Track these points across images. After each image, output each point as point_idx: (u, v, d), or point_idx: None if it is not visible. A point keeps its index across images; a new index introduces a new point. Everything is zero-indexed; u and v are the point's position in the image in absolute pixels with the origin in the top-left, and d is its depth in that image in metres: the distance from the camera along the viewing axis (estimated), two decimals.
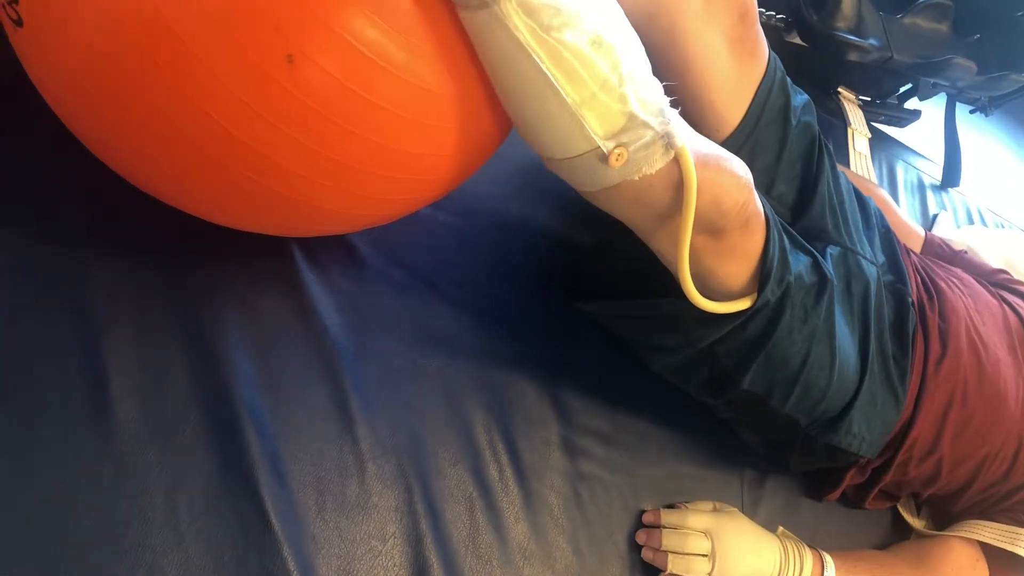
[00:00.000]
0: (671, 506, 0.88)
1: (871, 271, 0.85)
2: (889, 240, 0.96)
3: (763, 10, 1.38)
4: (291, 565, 0.62)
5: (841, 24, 1.29)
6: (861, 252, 0.86)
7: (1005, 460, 0.94)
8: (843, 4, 1.29)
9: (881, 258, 0.91)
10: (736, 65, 0.81)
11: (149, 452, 0.61)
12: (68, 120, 0.56)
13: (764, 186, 0.86)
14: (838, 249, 0.84)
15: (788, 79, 0.88)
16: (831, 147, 0.91)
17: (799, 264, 0.75)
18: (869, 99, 1.56)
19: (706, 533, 0.84)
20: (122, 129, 0.53)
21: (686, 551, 0.82)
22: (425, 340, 0.79)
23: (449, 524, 0.73)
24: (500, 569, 0.74)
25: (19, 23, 0.50)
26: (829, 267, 0.79)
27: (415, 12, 0.51)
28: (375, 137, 0.53)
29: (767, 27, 1.40)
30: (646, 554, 0.83)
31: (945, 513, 1.05)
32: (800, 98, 0.89)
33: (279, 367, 0.69)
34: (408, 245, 0.83)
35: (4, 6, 0.51)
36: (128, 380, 0.62)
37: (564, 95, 0.54)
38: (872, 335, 0.83)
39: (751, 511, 0.93)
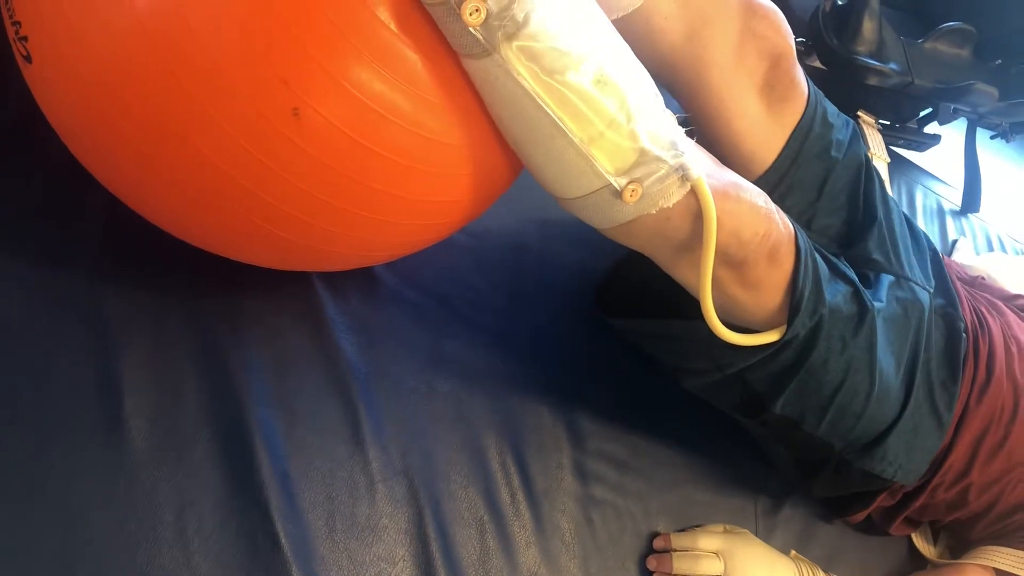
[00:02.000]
0: (683, 530, 0.87)
1: (924, 298, 0.83)
2: (938, 263, 0.94)
3: None
4: None
5: (862, 48, 1.29)
6: (913, 278, 0.84)
7: None
8: (864, 28, 1.28)
9: (932, 282, 0.89)
10: (767, 110, 0.79)
11: (161, 470, 0.61)
12: (77, 154, 0.57)
13: (804, 221, 0.84)
14: (892, 277, 0.82)
15: (831, 109, 0.85)
16: (879, 172, 0.89)
17: (836, 294, 0.73)
18: (889, 123, 1.55)
19: (718, 554, 0.83)
20: (128, 171, 0.54)
21: (698, 573, 0.81)
22: (439, 362, 0.79)
23: (459, 548, 0.72)
24: None
25: (28, 59, 0.51)
26: (883, 294, 0.77)
27: (420, 62, 0.51)
28: (383, 186, 0.54)
29: None
30: None
31: (962, 539, 1.04)
32: (845, 131, 0.86)
33: (293, 387, 0.69)
34: (423, 266, 0.83)
35: (14, 41, 0.51)
36: (141, 397, 0.62)
37: (571, 136, 0.54)
38: (920, 363, 0.81)
39: (765, 538, 0.92)
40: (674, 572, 0.81)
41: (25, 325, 0.60)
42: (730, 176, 0.65)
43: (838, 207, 0.86)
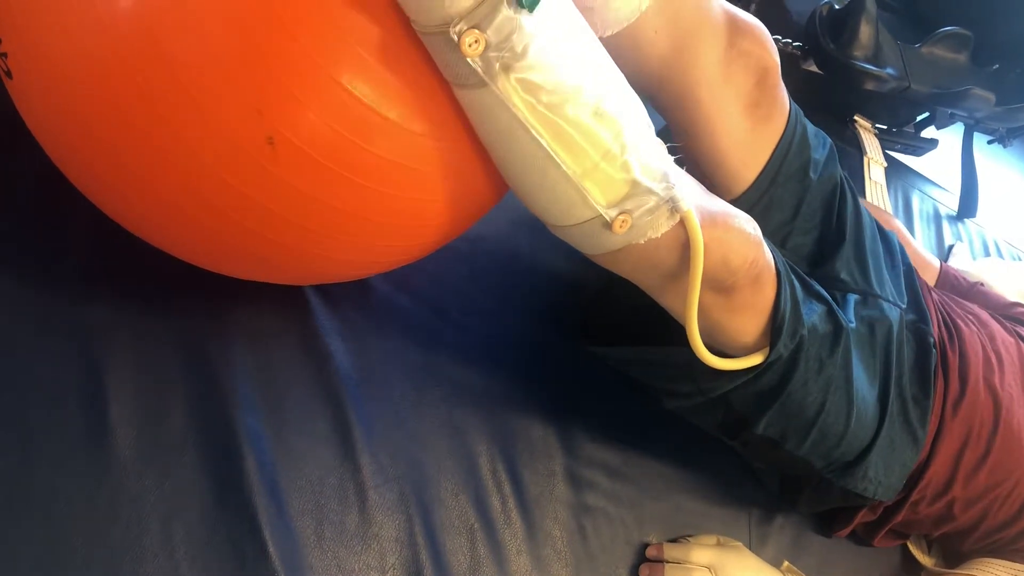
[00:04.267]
0: (675, 540, 0.86)
1: (894, 314, 0.83)
2: (911, 278, 0.94)
3: (779, 37, 1.38)
4: None
5: (858, 53, 1.29)
6: (883, 295, 0.84)
7: (1016, 502, 0.92)
8: (861, 33, 1.28)
9: (904, 297, 0.89)
10: (751, 128, 0.79)
11: (147, 479, 0.60)
12: (60, 166, 0.56)
13: (779, 240, 0.84)
14: (858, 296, 0.82)
15: (810, 129, 0.85)
16: (854, 188, 0.89)
17: (812, 314, 0.73)
18: (885, 128, 1.55)
19: (709, 568, 0.82)
20: (110, 186, 0.54)
21: None
22: (430, 368, 0.78)
23: (450, 555, 0.72)
24: None
25: (9, 75, 0.51)
26: (850, 313, 0.78)
27: (402, 92, 0.50)
28: (359, 211, 0.54)
29: (783, 55, 1.39)
30: None
31: (955, 551, 1.03)
32: (822, 150, 0.86)
33: (281, 393, 0.69)
34: (415, 271, 0.83)
35: None
36: (127, 406, 0.61)
37: (565, 168, 0.53)
38: (892, 379, 0.81)
39: (758, 547, 0.92)
40: None
41: (9, 335, 0.59)
42: (720, 204, 0.64)
43: (812, 227, 0.86)
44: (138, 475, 0.60)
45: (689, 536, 0.87)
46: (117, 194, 0.54)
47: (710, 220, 0.61)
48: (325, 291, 0.76)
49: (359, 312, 0.77)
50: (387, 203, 0.54)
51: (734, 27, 0.75)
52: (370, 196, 0.53)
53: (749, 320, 0.69)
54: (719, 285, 0.65)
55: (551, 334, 0.89)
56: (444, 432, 0.76)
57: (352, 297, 0.77)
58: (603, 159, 0.54)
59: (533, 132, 0.52)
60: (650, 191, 0.56)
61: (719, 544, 0.87)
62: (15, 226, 0.64)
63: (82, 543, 0.56)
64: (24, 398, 0.58)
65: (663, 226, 0.58)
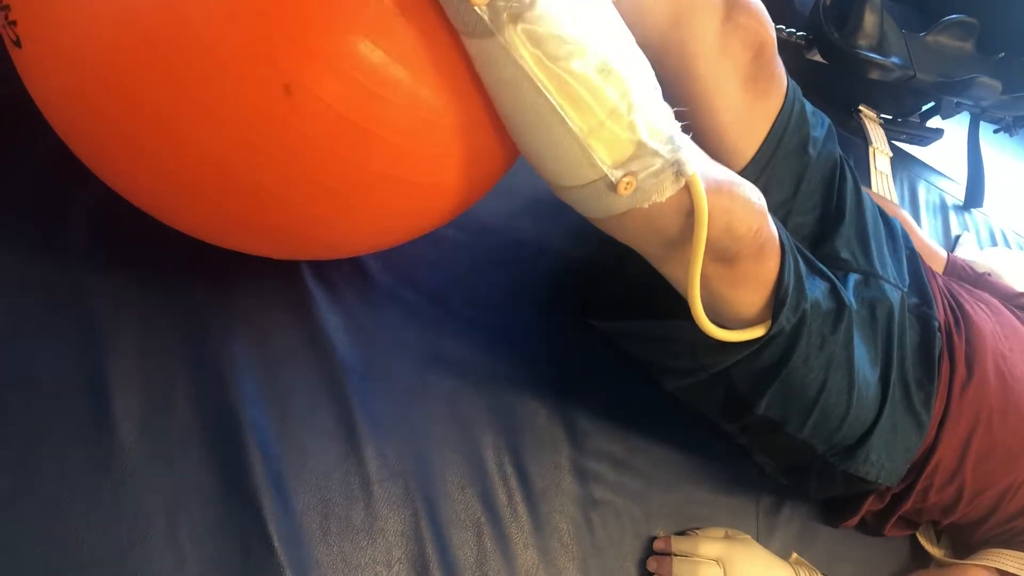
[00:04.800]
0: (683, 533, 0.86)
1: (895, 296, 0.83)
2: (915, 262, 0.94)
3: (783, 27, 1.37)
4: None
5: (863, 42, 1.28)
6: (884, 276, 0.84)
7: None
8: (865, 22, 1.27)
9: (906, 281, 0.89)
10: (750, 102, 0.79)
11: (151, 473, 0.60)
12: (67, 140, 0.56)
13: (779, 219, 0.83)
14: (860, 275, 0.82)
15: (808, 107, 0.85)
16: (854, 169, 0.89)
17: (816, 290, 0.73)
18: (890, 118, 1.54)
19: (718, 561, 0.82)
20: (117, 156, 0.53)
21: None
22: (434, 360, 0.78)
23: (456, 550, 0.71)
24: None
25: (17, 43, 0.50)
26: (849, 293, 0.78)
27: (416, 39, 0.50)
28: (376, 167, 0.52)
29: (787, 44, 1.39)
30: None
31: (965, 542, 1.03)
32: (821, 129, 0.86)
33: (285, 387, 0.68)
34: (418, 263, 0.82)
35: (3, 27, 0.50)
36: (131, 399, 0.61)
37: (571, 124, 0.53)
38: (894, 362, 0.81)
39: (766, 539, 0.91)
40: None
41: (13, 324, 0.59)
42: (724, 172, 0.64)
43: (812, 205, 0.86)
44: (143, 469, 0.59)
45: (697, 529, 0.87)
46: (127, 164, 0.53)
47: (715, 187, 0.60)
48: (328, 284, 0.75)
49: (362, 305, 0.76)
50: (411, 160, 0.53)
51: (731, 1, 0.75)
52: (389, 152, 0.52)
53: (752, 292, 0.68)
54: (722, 254, 0.64)
55: (556, 322, 0.89)
56: (449, 425, 0.76)
57: (355, 290, 0.77)
58: (609, 117, 0.53)
59: (539, 85, 0.51)
60: (656, 153, 0.55)
61: (727, 537, 0.86)
62: (16, 216, 0.63)
63: (87, 537, 0.56)
64: (29, 390, 0.58)
65: (668, 190, 0.57)
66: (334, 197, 0.53)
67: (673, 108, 0.58)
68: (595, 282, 0.93)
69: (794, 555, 0.91)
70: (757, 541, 0.88)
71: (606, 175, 0.55)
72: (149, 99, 0.47)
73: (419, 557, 0.69)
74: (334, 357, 0.72)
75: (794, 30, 1.39)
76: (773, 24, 0.79)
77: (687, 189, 0.58)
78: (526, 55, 0.50)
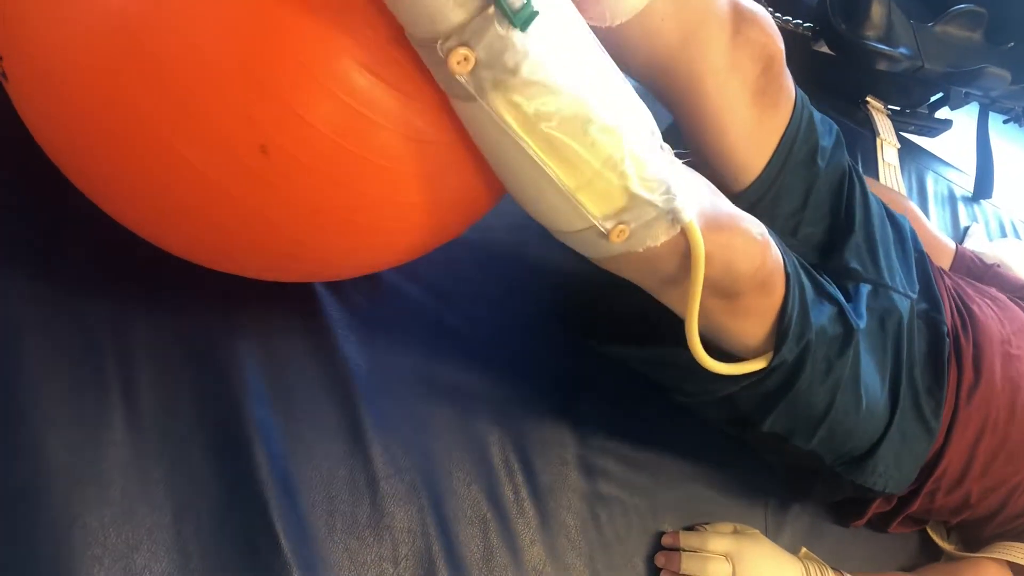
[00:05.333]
0: (691, 528, 0.86)
1: (904, 305, 0.82)
2: (923, 265, 0.93)
3: (790, 18, 1.36)
4: None
5: (870, 33, 1.27)
6: (893, 286, 0.83)
7: None
8: (872, 12, 1.26)
9: (916, 286, 0.88)
10: (758, 117, 0.78)
11: (157, 471, 0.60)
12: (62, 168, 0.56)
13: (789, 230, 0.83)
14: (870, 286, 0.81)
15: (816, 115, 0.84)
16: (862, 175, 0.88)
17: (822, 316, 0.72)
18: (899, 109, 1.53)
19: (727, 557, 0.82)
20: (106, 193, 0.54)
21: None
22: (439, 356, 0.78)
23: (462, 546, 0.71)
24: None
25: (5, 77, 0.51)
26: (862, 306, 0.77)
27: (397, 103, 0.49)
28: (358, 216, 0.53)
29: (794, 36, 1.38)
30: None
31: (975, 537, 1.02)
32: (829, 137, 0.85)
33: (290, 385, 0.68)
34: (423, 260, 0.81)
35: None
36: (136, 398, 0.61)
37: (558, 183, 0.52)
38: (903, 372, 0.80)
39: (775, 534, 0.91)
40: (682, 572, 0.80)
41: (18, 327, 0.59)
42: (726, 207, 0.63)
43: (822, 216, 0.85)
44: (149, 468, 0.59)
45: (705, 524, 0.86)
46: (115, 199, 0.55)
47: (715, 225, 0.60)
48: (333, 283, 0.75)
49: (367, 302, 0.76)
50: (384, 205, 0.54)
51: (739, 15, 0.74)
52: (367, 200, 0.53)
53: (754, 324, 0.68)
54: (723, 291, 0.64)
55: (562, 319, 0.88)
56: (455, 422, 0.75)
57: (360, 287, 0.76)
58: (597, 173, 0.52)
59: (524, 147, 0.50)
60: (649, 203, 0.55)
61: (736, 532, 0.86)
62: (17, 217, 0.63)
63: (93, 538, 0.56)
64: (34, 391, 0.57)
65: (662, 236, 0.57)
66: (317, 241, 0.55)
67: (678, 139, 0.58)
68: (597, 305, 0.92)
69: (803, 550, 0.91)
70: (766, 536, 0.88)
71: (595, 226, 0.55)
72: (127, 146, 0.48)
73: (425, 553, 0.69)
74: (339, 355, 0.71)
75: (801, 21, 1.38)
76: (781, 37, 0.78)
77: (683, 233, 0.58)
78: (510, 120, 0.49)
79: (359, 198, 0.52)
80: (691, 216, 0.57)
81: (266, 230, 0.53)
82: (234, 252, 0.57)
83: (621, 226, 0.55)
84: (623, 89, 0.54)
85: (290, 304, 0.72)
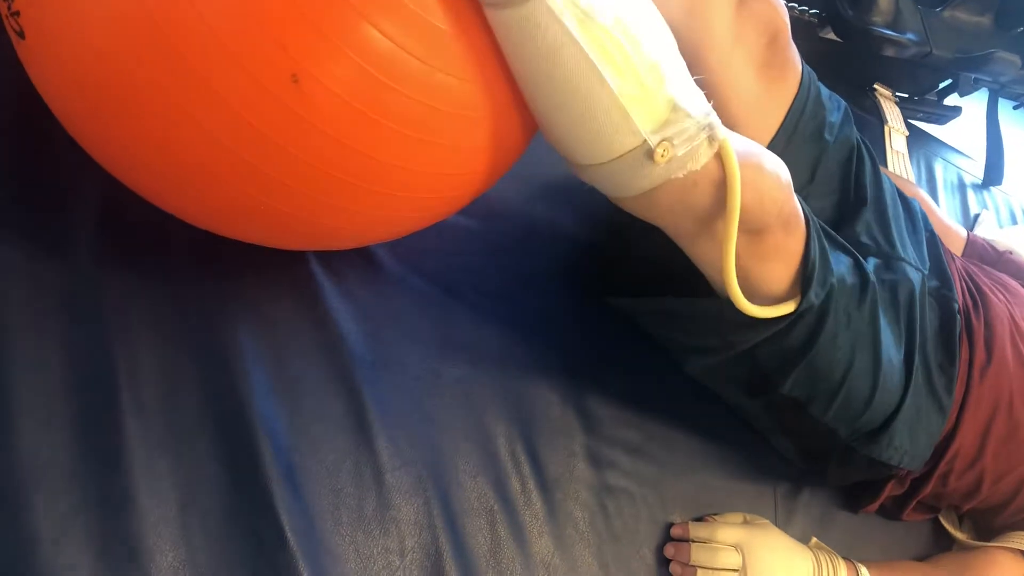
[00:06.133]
0: (700, 519, 0.85)
1: (916, 277, 0.82)
2: (934, 244, 0.93)
3: (796, 5, 1.35)
4: None
5: (877, 18, 1.26)
6: (905, 258, 0.83)
7: None
8: None
9: (926, 263, 0.88)
10: (764, 90, 0.77)
11: (161, 466, 0.59)
12: (71, 130, 0.55)
13: None
14: (880, 260, 0.81)
15: (824, 91, 0.84)
16: (872, 151, 0.87)
17: (840, 264, 0.72)
18: (907, 96, 1.52)
19: (737, 547, 0.81)
20: (123, 144, 0.52)
21: (716, 567, 0.79)
22: (445, 348, 0.77)
23: (469, 538, 0.71)
24: None
25: (21, 35, 0.49)
26: (870, 268, 0.76)
27: (429, 27, 0.48)
28: (388, 159, 0.51)
29: (800, 23, 1.37)
30: (674, 569, 0.81)
31: (988, 526, 1.01)
32: (837, 113, 0.85)
33: (295, 377, 0.68)
34: (428, 250, 0.81)
35: (7, 17, 0.50)
36: (139, 392, 0.60)
37: (613, 87, 0.51)
38: (917, 345, 0.79)
39: (784, 524, 0.90)
40: (691, 563, 0.80)
41: (18, 317, 0.59)
42: (751, 144, 0.63)
43: (830, 191, 0.85)
44: (153, 462, 0.59)
45: (714, 515, 0.86)
46: (132, 153, 0.53)
47: (743, 158, 0.59)
48: (336, 273, 0.74)
49: (371, 294, 0.76)
50: (423, 152, 0.53)
51: None
52: (405, 144, 0.51)
53: (779, 266, 0.67)
54: (751, 226, 0.63)
55: (569, 309, 0.88)
56: (460, 413, 0.75)
57: (364, 279, 0.76)
58: (646, 79, 0.52)
59: (584, 47, 0.50)
60: (689, 115, 0.54)
61: (746, 522, 0.85)
62: (20, 207, 0.63)
63: (97, 533, 0.56)
64: (36, 382, 0.57)
65: (703, 156, 0.56)
66: (343, 187, 0.52)
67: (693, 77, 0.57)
68: (612, 262, 0.92)
69: (814, 539, 0.90)
70: (776, 526, 0.87)
71: (645, 141, 0.54)
72: (155, 86, 0.46)
73: (432, 546, 0.68)
74: (343, 346, 0.71)
75: (807, 8, 1.37)
76: (786, 10, 0.78)
77: (718, 158, 0.57)
78: (568, 14, 0.49)
79: (390, 141, 0.51)
80: (725, 132, 0.57)
81: (294, 176, 0.51)
82: (248, 212, 0.55)
83: (665, 143, 0.54)
84: (651, 6, 0.55)
85: (294, 296, 0.71)
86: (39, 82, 0.53)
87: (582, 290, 0.90)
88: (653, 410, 0.87)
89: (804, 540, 0.88)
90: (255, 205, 0.53)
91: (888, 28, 1.26)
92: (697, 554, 0.80)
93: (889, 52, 1.27)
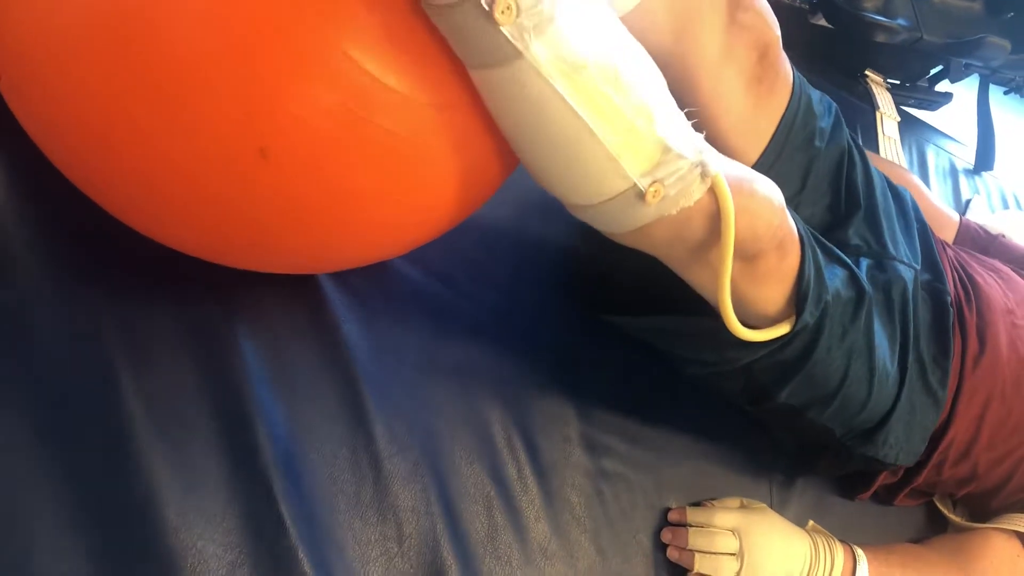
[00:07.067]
0: (697, 504, 0.85)
1: (908, 275, 0.82)
2: (926, 236, 0.93)
3: None
4: (306, 568, 0.61)
5: (868, 4, 1.26)
6: (897, 256, 0.83)
7: None
8: None
9: (919, 257, 0.88)
10: (755, 105, 0.77)
11: (158, 454, 0.59)
12: (57, 165, 0.55)
13: None
14: (871, 260, 0.81)
15: (815, 97, 0.83)
16: (863, 150, 0.87)
17: (835, 279, 0.72)
18: (898, 82, 1.52)
19: (734, 531, 0.81)
20: (104, 189, 0.53)
21: (713, 550, 0.80)
22: (441, 336, 0.77)
23: (467, 524, 0.71)
24: (520, 570, 0.72)
25: None
26: (864, 277, 0.76)
27: (396, 98, 0.48)
28: (357, 221, 0.53)
29: (792, 9, 1.37)
30: (672, 553, 0.81)
31: (982, 509, 1.02)
32: (828, 118, 0.84)
33: (292, 366, 0.68)
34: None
35: None
36: (135, 382, 0.60)
37: (601, 137, 0.51)
38: (911, 342, 0.80)
39: (780, 509, 0.91)
40: (689, 547, 0.80)
41: (14, 312, 0.59)
42: (741, 169, 0.62)
43: (821, 195, 0.85)
44: (150, 451, 0.59)
45: (711, 500, 0.86)
46: (110, 197, 0.54)
47: (736, 186, 0.59)
48: None
49: (368, 283, 0.76)
50: (386, 206, 0.53)
51: (734, 1, 0.74)
52: (368, 200, 0.52)
53: (774, 288, 0.67)
54: (745, 253, 0.63)
55: (565, 298, 0.88)
56: (457, 400, 0.75)
57: (360, 269, 0.76)
58: (632, 125, 0.51)
59: (569, 101, 0.49)
60: (680, 155, 0.54)
61: (743, 507, 0.86)
62: (16, 203, 0.63)
63: (97, 521, 0.56)
64: (31, 376, 0.57)
65: (696, 193, 0.55)
66: (312, 241, 0.54)
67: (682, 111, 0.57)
68: (608, 277, 0.91)
69: (810, 523, 0.91)
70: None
71: (635, 184, 0.53)
72: (118, 160, 0.47)
73: (430, 532, 0.68)
74: (340, 335, 0.71)
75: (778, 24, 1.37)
76: (777, 22, 0.77)
77: (711, 192, 0.57)
78: (553, 70, 0.48)
79: (358, 201, 0.52)
80: (718, 168, 0.56)
81: (261, 231, 0.52)
82: (229, 250, 0.57)
83: (656, 184, 0.54)
84: (639, 48, 0.54)
85: (291, 285, 0.71)
86: (18, 116, 0.53)
87: (577, 281, 0.90)
88: (649, 397, 0.88)
89: (801, 524, 0.89)
90: (231, 249, 0.55)
91: (879, 14, 1.26)
92: (695, 538, 0.80)
93: (880, 38, 1.27)
